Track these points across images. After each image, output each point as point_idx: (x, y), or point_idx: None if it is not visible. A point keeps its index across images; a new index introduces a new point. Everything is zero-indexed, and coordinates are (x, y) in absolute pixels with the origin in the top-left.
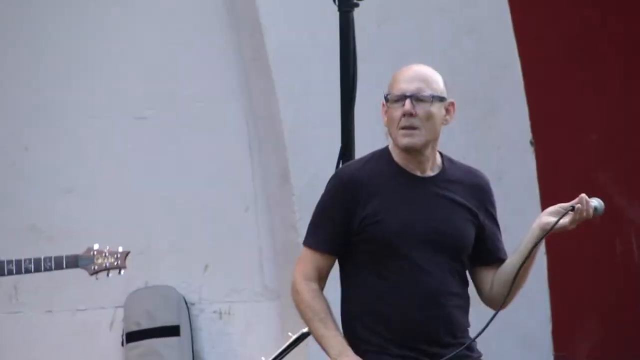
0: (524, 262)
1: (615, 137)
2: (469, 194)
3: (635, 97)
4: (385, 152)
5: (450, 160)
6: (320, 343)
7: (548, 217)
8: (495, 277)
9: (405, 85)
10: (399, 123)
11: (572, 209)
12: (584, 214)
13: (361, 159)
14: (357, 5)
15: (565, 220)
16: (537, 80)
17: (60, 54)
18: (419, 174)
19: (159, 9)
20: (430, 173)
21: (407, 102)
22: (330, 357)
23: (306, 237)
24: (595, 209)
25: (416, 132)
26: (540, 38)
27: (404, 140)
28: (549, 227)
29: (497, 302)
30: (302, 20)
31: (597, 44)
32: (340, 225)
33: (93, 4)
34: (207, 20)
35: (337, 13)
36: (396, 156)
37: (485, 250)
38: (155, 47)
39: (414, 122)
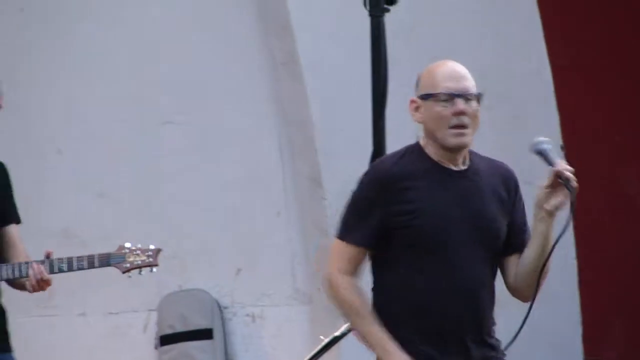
0: (546, 260)
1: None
2: (498, 185)
3: None
4: (417, 147)
5: (475, 154)
6: (364, 337)
7: (551, 202)
8: (518, 269)
9: (453, 84)
10: (448, 122)
11: (569, 189)
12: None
13: (395, 154)
14: (387, 10)
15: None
16: (567, 85)
17: (93, 60)
18: (452, 167)
19: (189, 14)
20: (462, 167)
21: (460, 101)
22: (377, 354)
23: (340, 231)
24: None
25: (466, 130)
26: (570, 42)
27: (455, 140)
28: (558, 210)
29: (521, 293)
30: (333, 24)
31: (626, 48)
32: (376, 220)
33: (124, 11)
34: (238, 24)
35: (369, 18)
36: (430, 151)
37: (512, 241)
38: (186, 52)
39: (465, 120)
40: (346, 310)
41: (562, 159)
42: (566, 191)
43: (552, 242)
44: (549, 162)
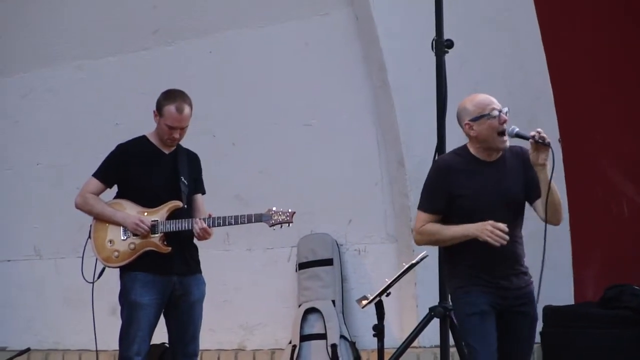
0: (548, 192)
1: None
2: (517, 163)
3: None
4: (465, 148)
5: None
6: (455, 238)
7: (539, 158)
8: (542, 202)
9: (495, 106)
10: (497, 129)
11: (545, 143)
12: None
13: (451, 152)
14: (447, 52)
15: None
16: (563, 99)
17: (262, 87)
18: (487, 160)
19: (324, 59)
20: (494, 159)
21: (502, 114)
22: (470, 235)
23: (420, 204)
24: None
25: (506, 137)
26: (566, 70)
27: (503, 145)
28: (545, 160)
29: (550, 220)
30: (412, 60)
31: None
32: (442, 195)
33: (284, 57)
34: (351, 63)
35: (434, 56)
36: (473, 150)
37: (532, 190)
38: (321, 80)
39: (505, 125)
40: (432, 237)
41: (532, 131)
42: (544, 147)
43: (549, 180)
44: (525, 137)
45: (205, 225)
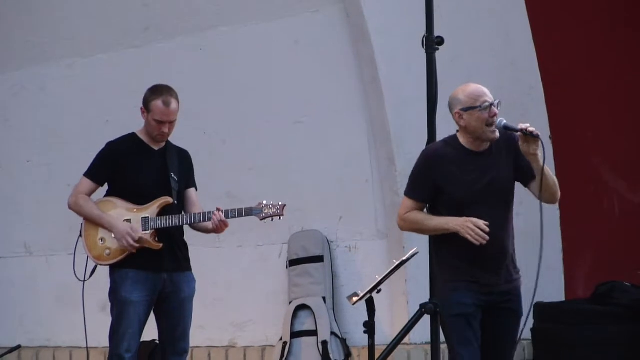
0: (541, 181)
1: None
2: (504, 147)
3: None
4: (454, 137)
5: None
6: (437, 230)
7: (530, 149)
8: (537, 186)
9: (486, 98)
10: (486, 122)
11: (533, 135)
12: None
13: (440, 141)
14: (437, 49)
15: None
16: (554, 95)
17: (254, 88)
18: (476, 150)
19: (315, 56)
20: (483, 149)
21: (493, 107)
22: (451, 229)
23: (406, 190)
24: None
25: (495, 128)
26: (556, 66)
27: (493, 136)
28: (535, 150)
29: (546, 201)
30: (403, 57)
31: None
32: (428, 184)
33: (275, 54)
34: (342, 60)
35: (425, 54)
36: (462, 141)
37: (526, 173)
38: (312, 77)
39: (495, 118)
40: (414, 226)
41: (521, 123)
42: (534, 138)
43: (541, 166)
44: (515, 129)
45: (224, 218)
